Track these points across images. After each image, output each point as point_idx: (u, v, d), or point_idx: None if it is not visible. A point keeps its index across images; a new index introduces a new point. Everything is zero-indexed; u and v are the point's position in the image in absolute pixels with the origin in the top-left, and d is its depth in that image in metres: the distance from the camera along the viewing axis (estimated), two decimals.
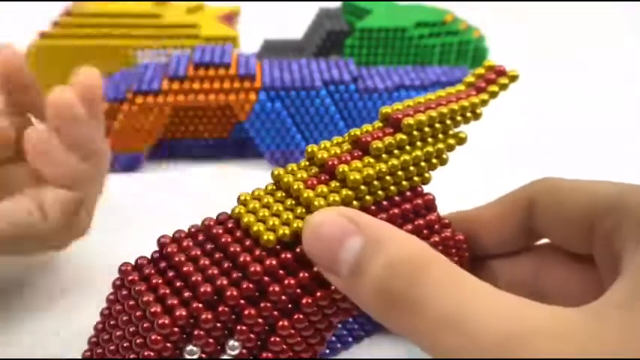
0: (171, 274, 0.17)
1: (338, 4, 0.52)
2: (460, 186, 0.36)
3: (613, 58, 0.58)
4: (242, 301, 0.17)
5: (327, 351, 0.23)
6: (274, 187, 0.19)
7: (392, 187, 0.19)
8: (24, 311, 0.26)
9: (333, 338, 0.23)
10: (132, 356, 0.17)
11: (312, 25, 0.51)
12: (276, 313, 0.17)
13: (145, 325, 0.16)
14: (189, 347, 0.17)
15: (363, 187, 0.18)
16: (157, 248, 0.19)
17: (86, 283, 0.27)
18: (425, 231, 0.20)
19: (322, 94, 0.36)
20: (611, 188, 0.20)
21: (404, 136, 0.19)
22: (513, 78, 0.21)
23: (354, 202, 0.18)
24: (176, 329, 0.16)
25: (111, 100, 0.35)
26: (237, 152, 0.39)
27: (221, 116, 0.38)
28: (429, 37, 0.48)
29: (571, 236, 0.21)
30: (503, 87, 0.21)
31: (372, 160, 0.19)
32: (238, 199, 0.19)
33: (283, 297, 0.17)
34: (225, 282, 0.17)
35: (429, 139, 0.20)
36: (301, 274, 0.17)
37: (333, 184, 0.18)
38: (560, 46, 0.60)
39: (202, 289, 0.16)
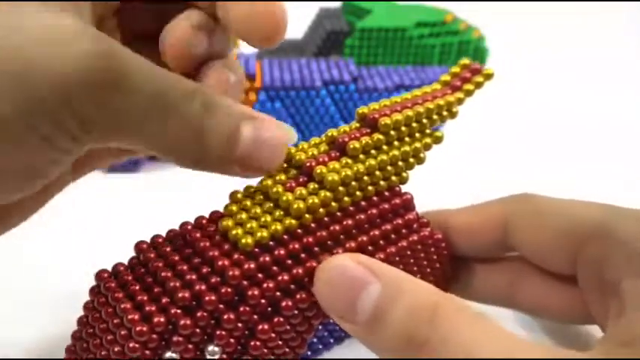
0: (149, 280, 0.17)
1: (338, 4, 0.51)
2: (455, 185, 0.36)
3: (614, 59, 0.58)
4: (221, 306, 0.16)
5: (309, 352, 0.23)
6: (253, 190, 0.19)
7: (370, 188, 0.19)
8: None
9: (315, 339, 0.23)
10: None
11: (312, 25, 0.51)
12: (255, 317, 0.17)
13: (123, 332, 0.16)
14: (168, 354, 0.16)
15: (341, 188, 0.18)
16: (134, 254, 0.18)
17: (81, 286, 0.27)
18: (403, 230, 0.20)
19: (322, 94, 0.36)
20: (594, 212, 0.20)
21: (381, 136, 0.19)
22: (488, 76, 0.21)
23: (333, 204, 0.18)
24: (154, 336, 0.16)
25: None
26: None
27: None
28: (429, 37, 0.47)
29: (551, 259, 0.21)
30: (479, 85, 0.21)
31: (349, 160, 0.18)
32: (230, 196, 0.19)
33: (262, 300, 0.17)
34: (203, 287, 0.16)
35: (406, 139, 0.20)
36: (280, 277, 0.17)
37: (312, 185, 0.18)
38: (560, 47, 0.60)
39: (180, 295, 0.16)
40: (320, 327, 0.23)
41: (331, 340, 0.23)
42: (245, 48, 0.47)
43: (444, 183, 0.37)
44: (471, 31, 0.49)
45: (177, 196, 0.35)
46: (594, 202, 0.20)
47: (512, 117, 0.46)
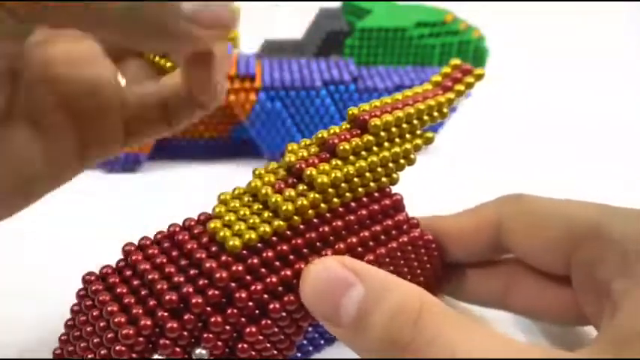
0: (136, 282, 0.17)
1: (338, 4, 0.51)
2: (455, 185, 0.36)
3: (614, 59, 0.58)
4: (208, 309, 0.16)
5: (299, 354, 0.23)
6: (242, 191, 0.19)
7: (359, 189, 0.19)
8: None
9: (304, 341, 0.23)
10: None
11: (312, 25, 0.51)
12: (243, 319, 0.17)
13: (109, 335, 0.16)
14: (156, 357, 0.16)
15: (330, 189, 0.18)
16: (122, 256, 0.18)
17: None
18: (393, 231, 0.20)
19: (322, 94, 0.36)
20: (589, 212, 0.20)
21: (371, 138, 0.18)
22: (479, 77, 0.21)
23: (322, 205, 0.18)
24: (141, 339, 0.16)
25: None
26: (237, 152, 0.39)
27: (221, 116, 0.38)
28: (429, 37, 0.47)
29: (546, 260, 0.21)
30: (470, 86, 0.21)
31: (339, 162, 0.18)
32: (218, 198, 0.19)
33: (250, 303, 0.16)
34: (190, 289, 0.16)
35: (397, 140, 0.19)
36: (268, 279, 0.17)
37: (301, 187, 0.18)
38: (560, 47, 0.60)
39: (167, 298, 0.16)
40: (310, 329, 0.22)
41: (322, 342, 0.23)
42: (245, 48, 0.47)
43: (444, 183, 0.36)
44: (471, 31, 0.49)
45: (176, 196, 0.35)
46: (588, 202, 0.20)
47: (513, 117, 0.46)
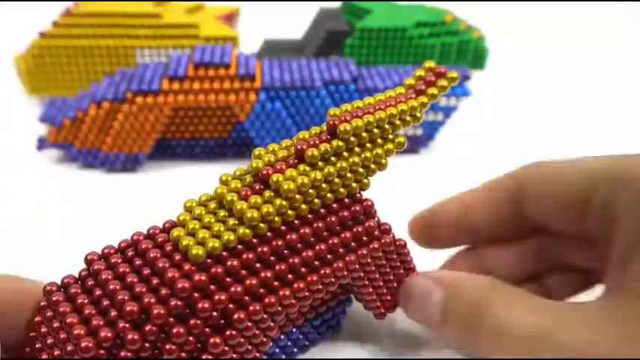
0: (97, 292, 0.16)
1: (338, 4, 0.51)
2: (452, 186, 0.36)
3: (613, 60, 0.57)
4: (170, 319, 0.15)
5: (283, 356, 0.22)
6: (208, 197, 0.18)
7: (329, 195, 0.18)
8: None
9: (289, 343, 0.22)
10: None
11: (312, 25, 0.50)
12: (207, 329, 0.16)
13: (69, 348, 0.15)
14: None
15: (297, 196, 0.17)
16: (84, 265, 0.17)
17: None
18: (364, 238, 0.19)
19: (322, 94, 0.36)
20: (608, 160, 0.19)
21: (341, 143, 0.18)
22: (453, 79, 0.20)
23: (289, 212, 0.17)
24: (102, 351, 0.15)
25: (111, 100, 0.34)
26: (237, 152, 0.39)
27: (221, 116, 0.38)
28: (429, 37, 0.47)
29: (564, 214, 0.20)
30: (443, 89, 0.20)
31: (307, 168, 0.18)
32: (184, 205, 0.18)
33: (214, 313, 0.16)
34: (152, 300, 0.15)
35: (367, 145, 0.19)
36: (233, 289, 0.16)
37: (268, 193, 0.17)
38: (559, 47, 0.60)
39: (128, 309, 0.15)
40: (294, 330, 0.22)
41: (306, 343, 0.22)
42: (245, 48, 0.47)
43: (444, 182, 0.36)
44: (471, 31, 0.49)
45: (176, 196, 0.35)
46: (606, 155, 0.20)
47: (513, 116, 0.46)
